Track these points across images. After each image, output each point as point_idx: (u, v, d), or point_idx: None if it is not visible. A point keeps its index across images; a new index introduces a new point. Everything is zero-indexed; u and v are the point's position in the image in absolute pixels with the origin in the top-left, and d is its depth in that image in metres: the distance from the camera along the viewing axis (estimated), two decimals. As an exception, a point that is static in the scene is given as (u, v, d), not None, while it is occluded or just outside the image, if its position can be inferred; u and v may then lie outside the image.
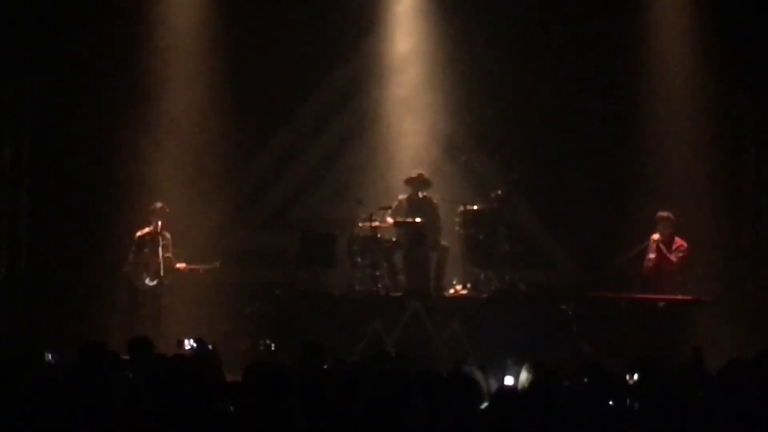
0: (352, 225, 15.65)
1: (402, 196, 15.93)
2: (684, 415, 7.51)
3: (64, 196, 15.98)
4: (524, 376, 7.93)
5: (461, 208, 15.57)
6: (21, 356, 8.16)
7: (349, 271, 15.54)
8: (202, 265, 15.40)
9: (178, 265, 15.26)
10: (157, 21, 16.27)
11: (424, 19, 16.89)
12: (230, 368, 9.00)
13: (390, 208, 15.75)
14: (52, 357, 9.09)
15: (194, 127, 16.31)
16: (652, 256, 14.93)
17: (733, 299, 15.74)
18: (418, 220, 15.52)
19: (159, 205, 15.23)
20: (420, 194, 15.82)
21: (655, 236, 14.96)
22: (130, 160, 16.00)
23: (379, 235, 15.43)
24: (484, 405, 7.37)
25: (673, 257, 14.92)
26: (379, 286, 15.37)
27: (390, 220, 15.66)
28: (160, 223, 15.11)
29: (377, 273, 15.39)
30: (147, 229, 15.16)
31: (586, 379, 8.06)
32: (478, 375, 8.44)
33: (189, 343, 10.06)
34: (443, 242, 15.69)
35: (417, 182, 15.85)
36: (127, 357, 8.92)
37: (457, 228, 15.64)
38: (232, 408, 7.17)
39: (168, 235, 15.23)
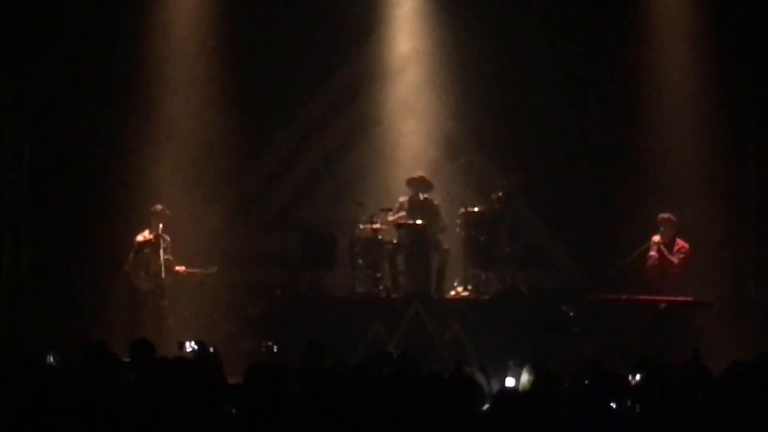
0: (353, 227, 15.65)
1: (403, 198, 15.93)
2: (686, 417, 7.51)
3: (66, 198, 15.98)
4: (525, 377, 7.93)
5: (462, 209, 15.57)
6: (22, 358, 8.15)
7: (350, 273, 15.54)
8: (200, 270, 15.41)
9: (177, 268, 15.26)
10: (158, 23, 16.27)
11: (425, 20, 16.89)
12: (232, 370, 8.99)
13: (391, 209, 15.75)
14: (53, 358, 9.09)
15: (195, 129, 16.31)
16: (653, 255, 14.91)
17: (734, 300, 15.73)
18: (419, 222, 15.52)
19: (159, 207, 15.23)
20: (421, 196, 15.82)
21: (656, 238, 14.94)
22: (132, 161, 16.01)
23: (380, 237, 15.43)
24: (486, 406, 7.37)
25: (674, 259, 14.91)
26: (380, 287, 15.37)
27: (391, 218, 15.66)
28: (161, 225, 15.11)
29: (378, 275, 15.38)
30: (147, 234, 15.15)
31: (587, 381, 8.06)
32: (479, 376, 8.44)
33: (190, 345, 10.06)
34: (444, 244, 15.69)
35: (418, 183, 15.85)
36: (128, 359, 8.91)
37: (457, 230, 15.63)
38: (233, 410, 7.17)
39: (168, 238, 15.23)
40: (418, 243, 15.46)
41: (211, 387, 7.59)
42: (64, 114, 15.97)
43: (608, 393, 7.76)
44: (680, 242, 14.97)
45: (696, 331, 14.22)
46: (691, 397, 7.92)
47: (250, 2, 16.51)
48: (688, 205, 15.75)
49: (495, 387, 8.80)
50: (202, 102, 16.32)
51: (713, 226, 15.89)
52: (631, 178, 16.31)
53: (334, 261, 15.63)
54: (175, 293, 15.26)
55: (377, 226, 15.40)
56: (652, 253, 14.90)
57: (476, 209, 15.53)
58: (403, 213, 15.75)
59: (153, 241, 15.10)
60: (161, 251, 15.00)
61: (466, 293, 15.46)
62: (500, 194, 15.63)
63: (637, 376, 8.43)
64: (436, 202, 15.85)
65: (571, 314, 14.85)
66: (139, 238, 15.21)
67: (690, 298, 14.64)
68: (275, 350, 14.32)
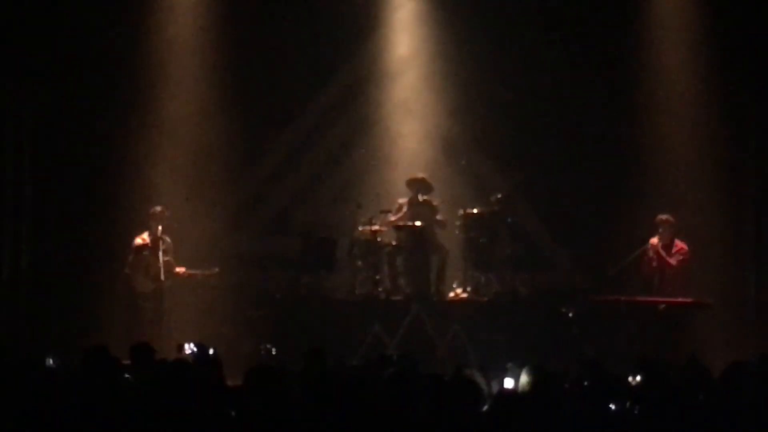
0: (353, 229, 15.64)
1: (402, 200, 15.93)
2: (686, 418, 7.51)
3: (66, 200, 15.97)
4: (524, 379, 7.93)
5: (461, 211, 15.58)
6: (22, 360, 8.15)
7: (350, 275, 15.54)
8: (201, 271, 15.41)
9: (178, 269, 15.26)
10: (157, 26, 16.26)
11: (425, 22, 16.89)
12: (231, 372, 8.99)
13: (390, 211, 15.75)
14: (53, 361, 9.08)
15: (195, 132, 16.29)
16: (651, 259, 14.91)
17: (734, 301, 15.73)
18: (418, 223, 15.51)
19: (159, 208, 15.23)
20: (420, 197, 15.81)
21: (654, 240, 14.93)
22: (132, 164, 16.00)
23: (379, 239, 15.43)
24: (485, 408, 7.37)
25: (672, 260, 14.91)
26: (380, 289, 15.36)
27: (393, 219, 15.66)
28: (160, 227, 15.10)
29: (378, 277, 15.38)
30: (145, 237, 15.15)
31: (587, 382, 8.06)
32: (479, 378, 8.44)
33: (189, 348, 10.07)
34: (444, 245, 15.69)
35: (418, 185, 15.84)
36: (128, 361, 8.91)
37: (457, 231, 15.63)
38: (233, 412, 7.17)
39: (168, 240, 15.24)
40: (417, 245, 15.46)
41: (210, 389, 7.59)
42: (64, 116, 15.96)
43: (608, 394, 7.77)
44: (679, 243, 14.97)
45: (695, 332, 14.23)
46: (691, 398, 7.92)
47: (249, 5, 16.51)
48: (687, 205, 15.74)
49: (495, 389, 8.80)
50: (201, 104, 16.30)
51: (713, 226, 15.88)
52: (631, 179, 16.30)
53: (334, 263, 15.63)
54: (175, 295, 15.26)
55: (377, 227, 15.40)
56: (651, 256, 14.89)
57: (475, 211, 15.54)
58: (402, 214, 15.74)
59: (152, 243, 15.09)
60: (160, 253, 15.00)
61: (465, 295, 15.46)
62: (499, 196, 15.64)
63: (637, 377, 8.43)
64: (435, 204, 15.84)
65: (571, 315, 14.85)
66: (138, 240, 15.20)
67: (689, 299, 14.64)
68: (274, 353, 14.31)
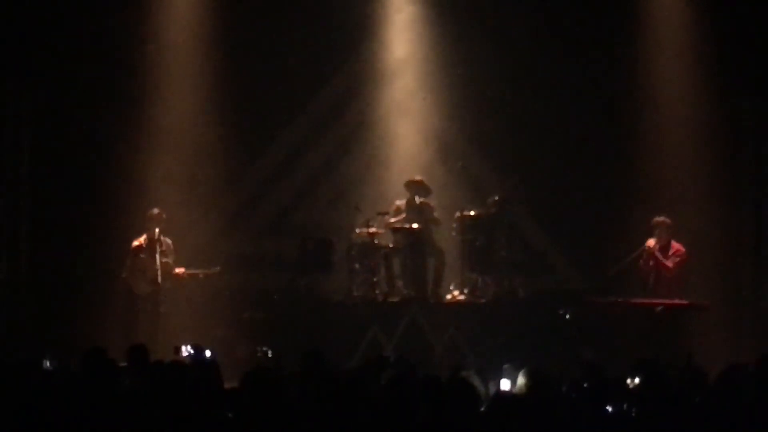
0: (350, 231, 15.65)
1: (399, 201, 15.92)
2: (683, 420, 7.52)
3: (64, 202, 15.97)
4: (521, 380, 7.93)
5: (458, 213, 15.58)
6: (20, 362, 8.15)
7: (347, 277, 15.53)
8: (202, 270, 15.40)
9: (177, 270, 15.24)
10: (155, 28, 16.27)
11: (422, 24, 16.89)
12: (229, 375, 8.99)
13: (387, 213, 15.76)
14: (50, 363, 9.09)
15: (193, 134, 16.31)
16: (648, 262, 14.91)
17: (731, 303, 15.73)
18: (415, 225, 15.51)
19: (156, 211, 15.22)
20: (417, 199, 15.81)
21: (651, 242, 14.92)
22: (129, 166, 16.00)
23: (376, 241, 15.43)
24: (482, 410, 7.37)
25: (669, 263, 14.90)
26: (377, 291, 15.35)
27: (392, 220, 15.66)
28: (157, 229, 15.10)
29: (375, 279, 15.37)
30: (142, 239, 15.14)
31: (584, 384, 8.06)
32: (476, 380, 8.44)
33: (186, 350, 10.06)
34: (441, 248, 15.69)
35: (416, 187, 15.83)
36: (124, 364, 8.91)
37: (454, 233, 15.64)
38: (230, 414, 7.17)
39: (169, 241, 15.23)
40: (414, 247, 15.46)
41: (207, 391, 7.59)
42: (62, 118, 15.97)
43: (606, 396, 7.77)
44: (676, 245, 14.97)
45: (692, 334, 14.23)
46: (688, 400, 7.92)
47: (246, 7, 16.51)
48: (685, 206, 15.74)
49: (492, 391, 8.80)
50: (199, 106, 16.31)
51: (710, 228, 15.88)
52: (629, 181, 16.31)
53: (331, 265, 15.62)
54: (173, 297, 15.25)
55: (374, 230, 15.40)
56: (649, 261, 14.89)
57: (472, 213, 15.54)
58: (401, 216, 15.75)
59: (149, 245, 15.09)
60: (157, 256, 14.99)
61: (462, 297, 15.45)
62: (496, 198, 15.64)
63: (635, 379, 8.43)
64: (432, 205, 15.84)
65: (568, 318, 14.85)
66: (135, 243, 15.20)
67: (686, 302, 14.64)
68: (270, 355, 14.30)
